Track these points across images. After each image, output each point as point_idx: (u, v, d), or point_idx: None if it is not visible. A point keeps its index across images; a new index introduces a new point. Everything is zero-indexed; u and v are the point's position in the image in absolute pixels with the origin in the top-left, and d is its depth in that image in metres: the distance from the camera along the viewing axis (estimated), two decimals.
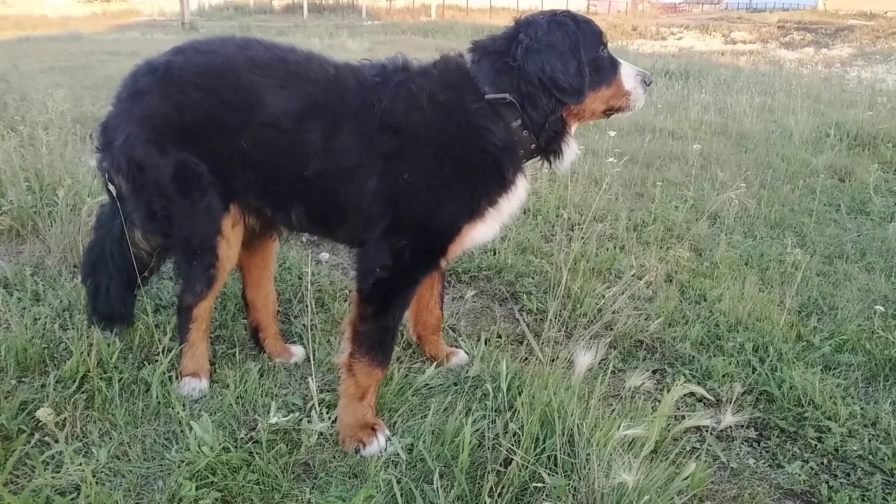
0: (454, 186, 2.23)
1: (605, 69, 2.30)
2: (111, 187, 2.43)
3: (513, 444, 2.15)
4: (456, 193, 2.23)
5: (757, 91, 10.32)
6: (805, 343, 3.11)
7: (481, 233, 2.34)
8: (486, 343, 2.91)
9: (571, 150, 2.37)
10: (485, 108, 2.22)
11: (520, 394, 2.45)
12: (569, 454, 2.14)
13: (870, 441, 2.46)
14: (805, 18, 35.63)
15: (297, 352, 2.84)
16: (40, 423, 2.20)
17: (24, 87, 7.75)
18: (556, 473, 2.09)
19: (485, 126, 2.22)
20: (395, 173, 2.21)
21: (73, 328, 2.79)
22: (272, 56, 2.36)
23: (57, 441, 2.09)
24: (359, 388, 2.28)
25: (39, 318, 2.85)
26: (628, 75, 2.33)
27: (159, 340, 2.63)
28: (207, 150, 2.32)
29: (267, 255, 2.79)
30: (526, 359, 2.89)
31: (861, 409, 2.63)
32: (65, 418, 2.28)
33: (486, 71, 2.25)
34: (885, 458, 2.38)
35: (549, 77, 2.18)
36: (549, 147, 2.33)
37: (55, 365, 2.57)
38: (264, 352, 2.82)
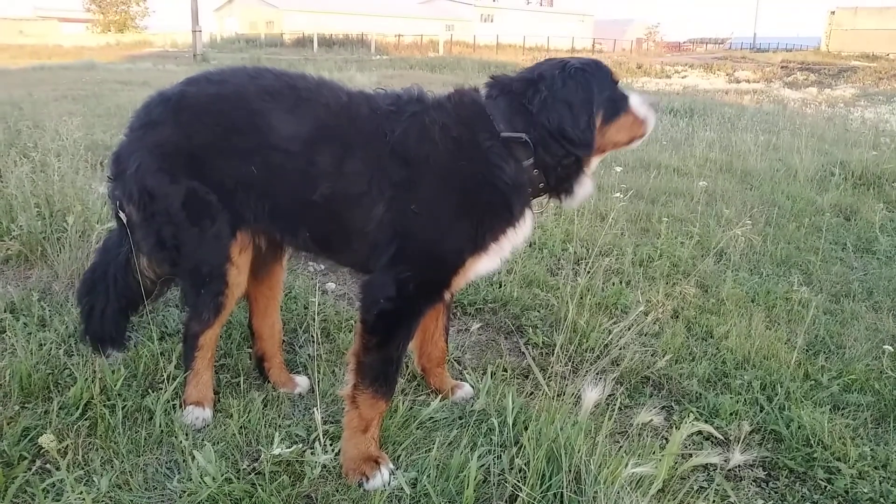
0: (461, 220, 2.24)
1: (619, 103, 2.37)
2: (122, 215, 2.45)
3: (519, 480, 2.12)
4: (462, 227, 2.24)
5: (761, 129, 10.40)
6: (813, 382, 3.08)
7: (485, 265, 2.35)
8: (491, 376, 2.89)
9: (584, 188, 2.41)
10: (498, 145, 2.25)
11: (526, 429, 2.42)
12: (575, 491, 2.11)
13: (881, 483, 2.42)
14: (808, 59, 36.09)
15: (302, 382, 2.83)
16: (42, 450, 2.18)
17: (38, 115, 7.87)
18: None
19: (496, 164, 2.25)
20: (403, 203, 2.23)
21: (78, 354, 2.79)
22: (282, 83, 2.40)
23: (58, 468, 2.07)
24: (362, 421, 2.27)
25: (45, 344, 2.85)
26: (638, 104, 2.40)
27: (164, 368, 2.62)
28: (217, 178, 2.34)
29: (274, 283, 2.79)
30: (532, 393, 2.87)
31: (871, 450, 2.59)
32: (67, 445, 2.26)
33: (502, 109, 2.28)
34: None
35: (559, 129, 2.23)
36: (561, 186, 2.38)
37: (59, 391, 2.56)
38: (269, 381, 2.81)
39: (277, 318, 2.85)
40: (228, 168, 2.33)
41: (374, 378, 2.26)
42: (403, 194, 2.23)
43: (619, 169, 6.21)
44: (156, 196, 2.36)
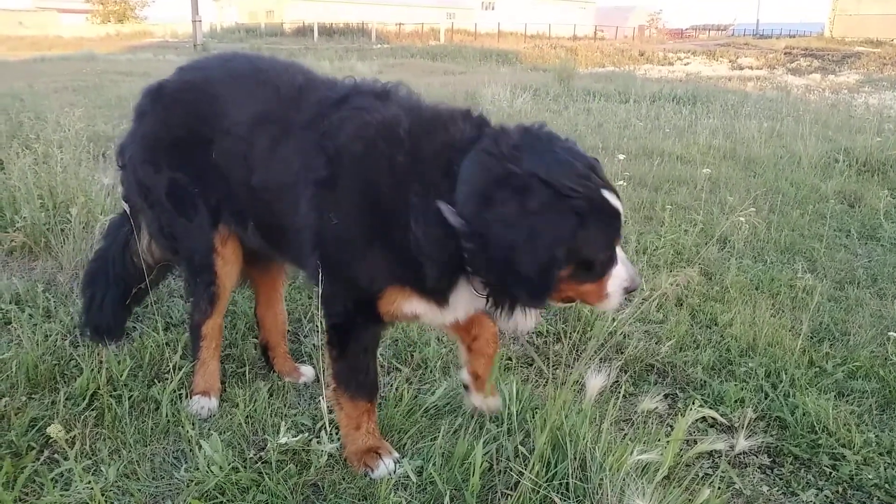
0: (373, 248, 1.98)
1: (597, 269, 1.90)
2: (125, 204, 2.49)
3: (523, 468, 2.13)
4: (375, 255, 1.98)
5: (765, 116, 10.36)
6: (818, 369, 3.08)
7: (421, 310, 2.05)
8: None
9: (526, 321, 2.00)
10: (427, 208, 1.85)
11: (531, 417, 2.43)
12: (581, 479, 2.12)
13: (886, 469, 2.43)
14: (812, 45, 35.86)
15: (307, 372, 2.83)
16: (50, 440, 2.20)
17: (39, 106, 7.85)
18: (568, 498, 2.07)
19: (413, 225, 1.86)
20: (322, 205, 2.01)
21: (83, 345, 2.80)
22: (248, 67, 2.38)
23: (66, 458, 2.08)
24: (350, 420, 2.24)
25: (50, 335, 2.86)
26: (618, 278, 1.93)
27: (169, 358, 2.63)
28: (194, 167, 2.34)
29: (274, 273, 2.78)
30: (536, 381, 2.88)
31: (876, 436, 2.59)
32: (74, 436, 2.28)
33: (468, 174, 1.83)
34: None
35: (507, 256, 1.76)
36: (497, 300, 1.95)
37: (66, 382, 2.57)
38: (274, 370, 2.82)
39: (282, 308, 2.85)
40: (200, 156, 2.32)
41: (347, 384, 2.21)
42: (323, 195, 2.00)
43: (621, 157, 6.18)
44: (148, 186, 2.41)
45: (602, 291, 1.94)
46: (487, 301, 1.97)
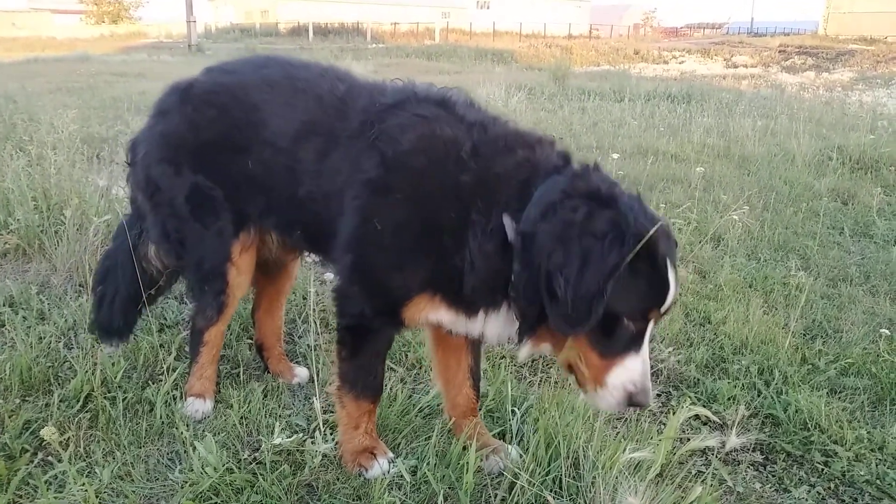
0: (417, 255, 1.95)
1: (618, 338, 1.72)
2: (133, 204, 2.49)
3: (518, 467, 2.14)
4: (416, 262, 1.96)
5: (759, 114, 10.39)
6: (810, 366, 3.09)
7: (447, 319, 2.02)
8: (489, 363, 2.91)
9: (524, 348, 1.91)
10: (490, 226, 1.82)
11: (524, 415, 2.44)
12: (574, 477, 2.13)
13: (877, 466, 2.44)
14: (806, 43, 35.93)
15: (301, 373, 2.84)
16: (44, 443, 2.20)
17: (33, 108, 7.84)
18: (562, 497, 2.08)
19: (472, 242, 1.84)
20: (366, 208, 1.99)
21: (77, 347, 2.80)
22: (283, 73, 2.32)
23: (60, 461, 2.08)
24: (351, 419, 2.22)
25: (44, 337, 2.86)
26: (629, 371, 1.73)
27: (164, 360, 2.63)
28: (222, 173, 2.29)
29: (282, 283, 2.77)
30: (530, 380, 2.88)
31: (868, 433, 2.61)
32: (68, 438, 2.28)
33: (543, 191, 1.77)
34: (893, 483, 2.36)
35: (550, 274, 1.67)
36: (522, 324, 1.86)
37: (59, 384, 2.57)
38: (268, 370, 2.82)
39: (281, 314, 2.85)
40: (231, 163, 2.27)
41: (353, 383, 2.18)
42: (371, 198, 1.99)
43: (615, 156, 6.20)
44: (160, 186, 2.35)
45: (603, 374, 1.74)
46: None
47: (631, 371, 1.72)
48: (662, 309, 1.72)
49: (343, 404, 2.22)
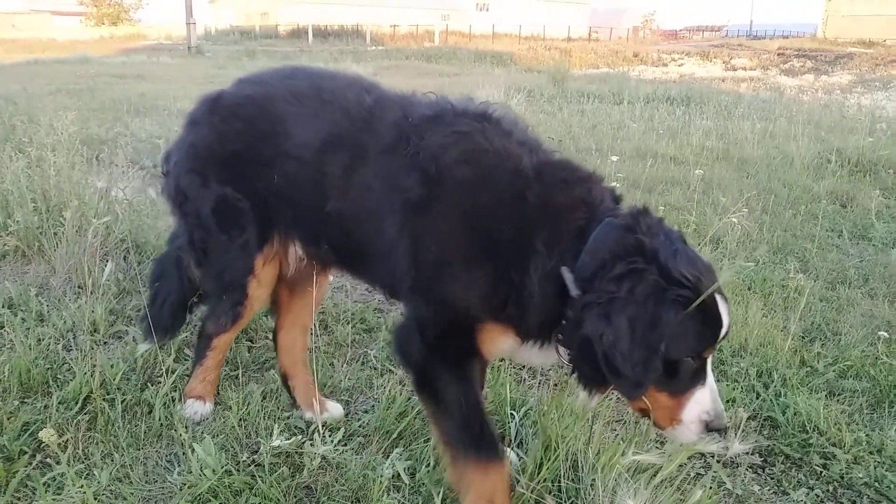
0: (474, 271, 1.86)
1: (682, 378, 1.74)
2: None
3: (517, 470, 2.14)
4: (475, 279, 1.86)
5: (758, 117, 10.40)
6: (809, 369, 3.10)
7: (514, 348, 1.95)
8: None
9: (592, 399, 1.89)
10: (549, 260, 1.78)
11: (523, 418, 2.44)
12: (573, 479, 2.13)
13: (876, 468, 2.44)
14: (805, 46, 36.00)
15: (333, 410, 2.57)
16: (42, 445, 2.19)
17: (32, 109, 7.83)
18: (561, 499, 2.08)
19: (533, 275, 1.79)
20: (417, 228, 1.91)
21: (76, 349, 2.80)
22: (309, 85, 2.28)
23: (59, 463, 2.08)
24: (481, 497, 1.88)
25: (43, 339, 2.86)
26: (700, 403, 1.75)
27: (163, 362, 2.63)
28: (249, 184, 2.25)
29: (308, 301, 2.58)
30: (529, 383, 2.88)
31: (866, 435, 2.61)
32: (67, 440, 2.28)
33: (598, 241, 1.76)
34: (892, 486, 2.36)
35: (606, 354, 1.66)
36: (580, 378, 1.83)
37: (58, 386, 2.57)
38: (295, 403, 2.60)
39: (304, 335, 2.67)
40: (258, 175, 2.23)
41: (466, 444, 1.88)
42: (417, 218, 1.91)
43: (615, 158, 6.21)
44: (188, 196, 2.34)
45: (676, 412, 1.75)
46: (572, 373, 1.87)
47: (702, 403, 1.75)
48: (717, 345, 1.77)
49: (467, 481, 1.88)
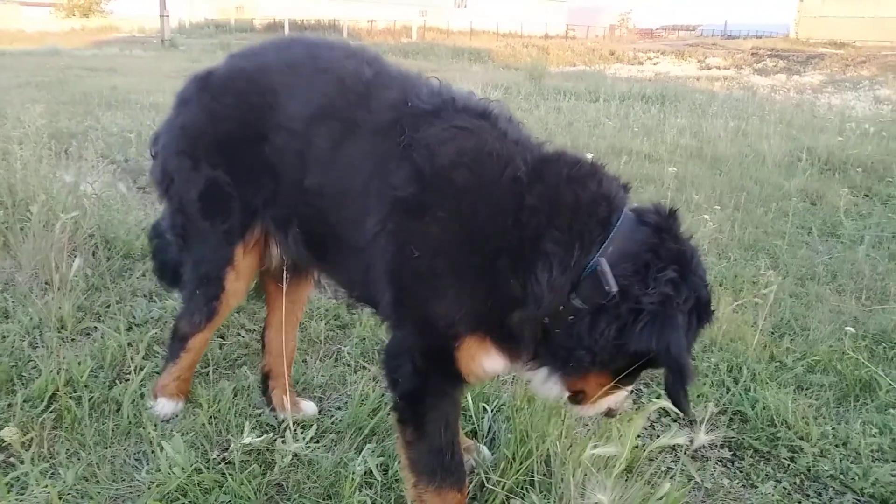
0: (463, 284, 1.74)
1: (631, 378, 1.85)
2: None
3: (489, 466, 2.14)
4: (462, 293, 1.74)
5: (731, 115, 10.54)
6: (778, 364, 3.14)
7: (507, 369, 1.89)
8: None
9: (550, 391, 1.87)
10: (572, 258, 1.68)
11: (496, 414, 2.45)
12: (546, 474, 2.14)
13: (841, 461, 2.49)
14: (777, 46, 36.52)
15: (307, 408, 2.55)
16: (5, 444, 2.15)
17: None
18: (534, 494, 2.08)
19: (541, 276, 1.67)
20: (401, 229, 1.78)
21: (42, 346, 2.74)
22: (306, 54, 2.15)
23: (22, 462, 2.03)
24: None
25: (8, 336, 2.80)
26: (619, 396, 1.92)
27: (132, 359, 2.59)
28: (240, 166, 2.12)
29: (298, 297, 2.52)
30: (503, 379, 2.89)
31: (833, 429, 2.66)
32: (31, 438, 2.23)
33: (639, 237, 1.70)
34: (856, 478, 2.41)
35: (677, 356, 1.67)
36: (555, 355, 1.78)
37: (23, 384, 2.52)
38: (270, 405, 2.55)
39: (294, 336, 2.60)
40: (250, 154, 2.10)
41: (431, 472, 1.87)
42: (403, 217, 1.78)
43: (590, 156, 6.22)
44: (174, 179, 2.23)
45: (603, 398, 1.88)
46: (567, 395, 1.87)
47: (619, 396, 1.95)
48: None
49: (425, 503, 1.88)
